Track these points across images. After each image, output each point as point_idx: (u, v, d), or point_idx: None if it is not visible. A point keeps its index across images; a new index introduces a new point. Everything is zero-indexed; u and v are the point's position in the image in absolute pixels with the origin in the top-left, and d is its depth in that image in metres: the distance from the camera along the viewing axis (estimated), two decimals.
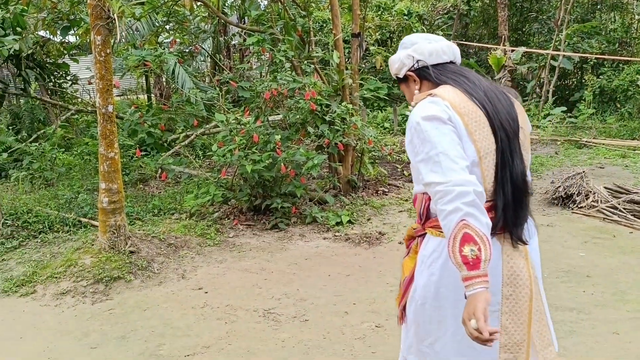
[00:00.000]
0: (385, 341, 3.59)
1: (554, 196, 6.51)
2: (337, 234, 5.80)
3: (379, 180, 7.61)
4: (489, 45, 13.49)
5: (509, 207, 1.86)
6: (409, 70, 2.05)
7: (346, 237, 5.67)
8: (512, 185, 1.86)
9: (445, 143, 1.77)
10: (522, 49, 12.86)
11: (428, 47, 2.02)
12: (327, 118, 6.41)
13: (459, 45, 13.59)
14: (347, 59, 7.96)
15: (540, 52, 12.73)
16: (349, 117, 6.49)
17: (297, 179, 6.12)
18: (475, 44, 14.04)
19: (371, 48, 12.69)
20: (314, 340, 3.64)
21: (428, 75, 2.02)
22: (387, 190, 7.39)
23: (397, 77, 2.13)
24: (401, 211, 6.55)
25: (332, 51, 6.79)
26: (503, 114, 1.88)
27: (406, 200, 6.97)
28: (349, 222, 6.07)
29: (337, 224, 6.01)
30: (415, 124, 1.86)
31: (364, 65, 13.83)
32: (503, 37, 13.16)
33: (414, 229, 2.11)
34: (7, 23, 7.79)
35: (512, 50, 12.87)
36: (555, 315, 3.83)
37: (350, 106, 6.56)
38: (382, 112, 14.04)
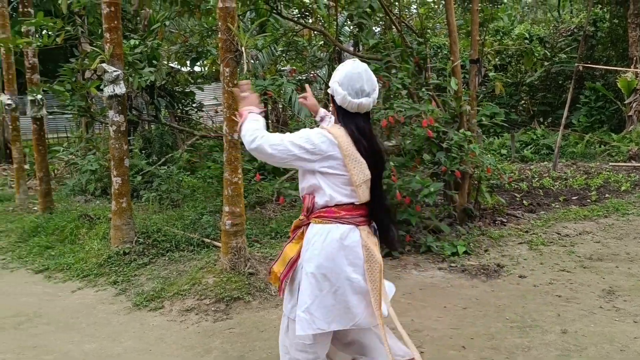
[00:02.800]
0: None
1: None
2: (452, 264, 5.65)
3: (496, 210, 7.35)
4: (618, 68, 12.64)
5: (374, 213, 2.76)
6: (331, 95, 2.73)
7: (462, 269, 5.51)
8: (373, 201, 2.75)
9: (298, 141, 2.62)
10: None
11: (354, 101, 2.61)
12: (443, 145, 6.30)
13: (585, 67, 12.91)
14: (464, 85, 7.85)
15: None
16: (466, 145, 6.34)
17: (412, 207, 6.05)
18: (602, 66, 13.21)
19: (490, 74, 12.37)
20: None
21: (340, 112, 2.69)
22: (505, 220, 7.11)
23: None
24: (521, 243, 6.25)
25: (449, 77, 6.71)
26: (377, 158, 2.71)
27: (526, 231, 6.65)
28: (465, 252, 5.89)
29: (453, 254, 5.85)
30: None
31: (481, 91, 13.49)
32: (634, 58, 12.31)
33: (300, 220, 2.82)
34: (144, 56, 8.50)
35: None
36: None
37: (468, 133, 6.42)
38: (498, 138, 13.60)
